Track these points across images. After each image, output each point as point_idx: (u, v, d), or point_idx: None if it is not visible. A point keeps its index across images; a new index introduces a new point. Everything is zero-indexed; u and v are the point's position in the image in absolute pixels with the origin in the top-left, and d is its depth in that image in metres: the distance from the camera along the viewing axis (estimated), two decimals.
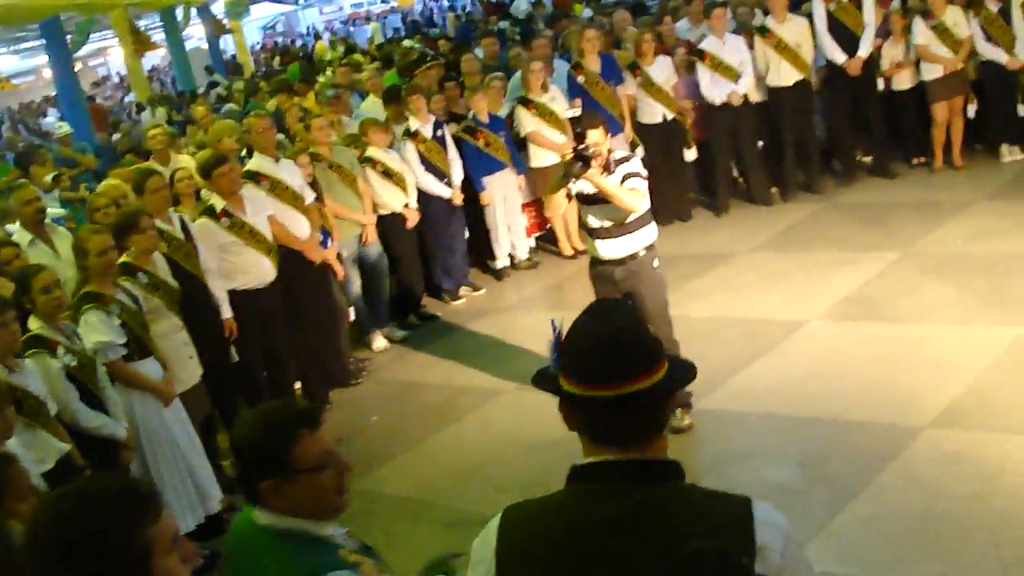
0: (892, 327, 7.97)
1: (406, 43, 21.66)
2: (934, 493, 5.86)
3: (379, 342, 10.06)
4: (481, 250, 11.38)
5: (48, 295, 6.12)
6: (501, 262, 11.23)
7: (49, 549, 2.34)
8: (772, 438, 6.90)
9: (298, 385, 9.05)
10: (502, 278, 11.20)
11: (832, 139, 11.81)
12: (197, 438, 7.13)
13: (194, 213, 8.21)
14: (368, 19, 45.88)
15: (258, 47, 45.06)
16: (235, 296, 8.09)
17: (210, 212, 8.09)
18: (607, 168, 6.67)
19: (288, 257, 8.50)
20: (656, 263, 6.99)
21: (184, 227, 7.84)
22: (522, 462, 7.16)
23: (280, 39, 47.39)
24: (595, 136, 6.63)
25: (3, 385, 5.37)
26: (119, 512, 2.39)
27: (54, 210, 9.40)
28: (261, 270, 8.20)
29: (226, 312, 8.00)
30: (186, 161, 10.17)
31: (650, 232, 6.95)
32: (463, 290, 10.88)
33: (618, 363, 2.36)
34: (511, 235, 11.19)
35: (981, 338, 7.50)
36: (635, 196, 6.69)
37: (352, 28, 44.33)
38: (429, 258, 10.88)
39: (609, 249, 6.94)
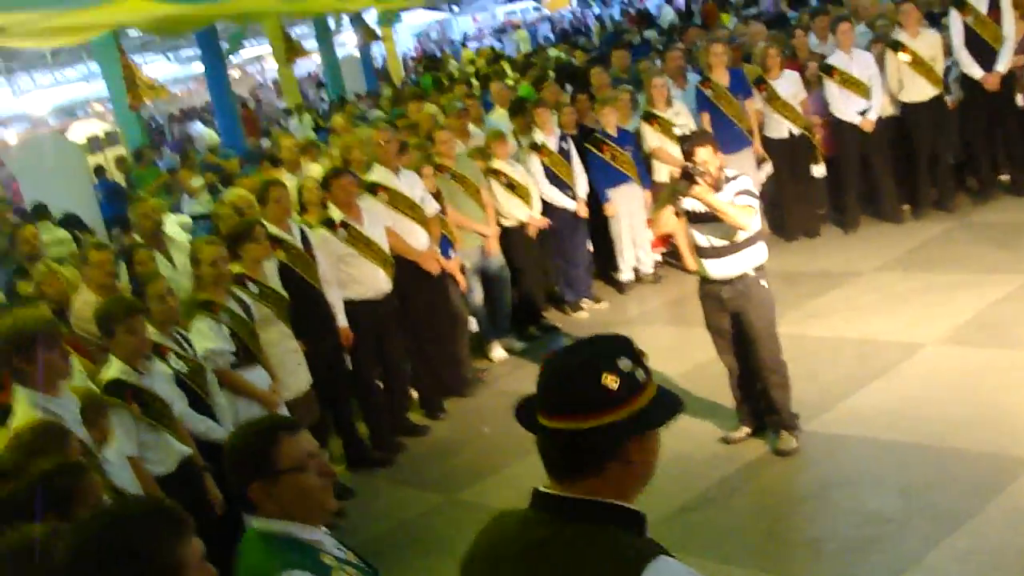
0: (1012, 353, 7.68)
1: (551, 52, 21.78)
2: None
3: (498, 352, 10.12)
4: (606, 262, 11.39)
5: (162, 304, 6.35)
6: (625, 275, 11.20)
7: (84, 566, 2.47)
8: (877, 464, 6.75)
9: (415, 394, 9.20)
10: (625, 291, 11.17)
11: (967, 156, 11.46)
12: None
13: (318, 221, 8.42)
14: (517, 27, 46.15)
15: (410, 54, 45.67)
16: (350, 306, 8.27)
17: (328, 223, 8.29)
18: (716, 186, 6.64)
19: (405, 268, 8.64)
20: (764, 283, 6.92)
21: (304, 237, 8.05)
22: None
23: (433, 46, 48.00)
24: (703, 154, 6.61)
25: (97, 397, 5.56)
26: (151, 531, 2.52)
27: (180, 217, 9.66)
28: (376, 281, 8.35)
29: (342, 321, 8.18)
30: (316, 170, 10.38)
31: (759, 252, 6.87)
32: (585, 302, 10.88)
33: (559, 396, 2.35)
34: (636, 248, 11.15)
35: None
36: (746, 213, 6.63)
37: (503, 35, 44.64)
38: (551, 270, 10.94)
39: (717, 268, 6.90)
